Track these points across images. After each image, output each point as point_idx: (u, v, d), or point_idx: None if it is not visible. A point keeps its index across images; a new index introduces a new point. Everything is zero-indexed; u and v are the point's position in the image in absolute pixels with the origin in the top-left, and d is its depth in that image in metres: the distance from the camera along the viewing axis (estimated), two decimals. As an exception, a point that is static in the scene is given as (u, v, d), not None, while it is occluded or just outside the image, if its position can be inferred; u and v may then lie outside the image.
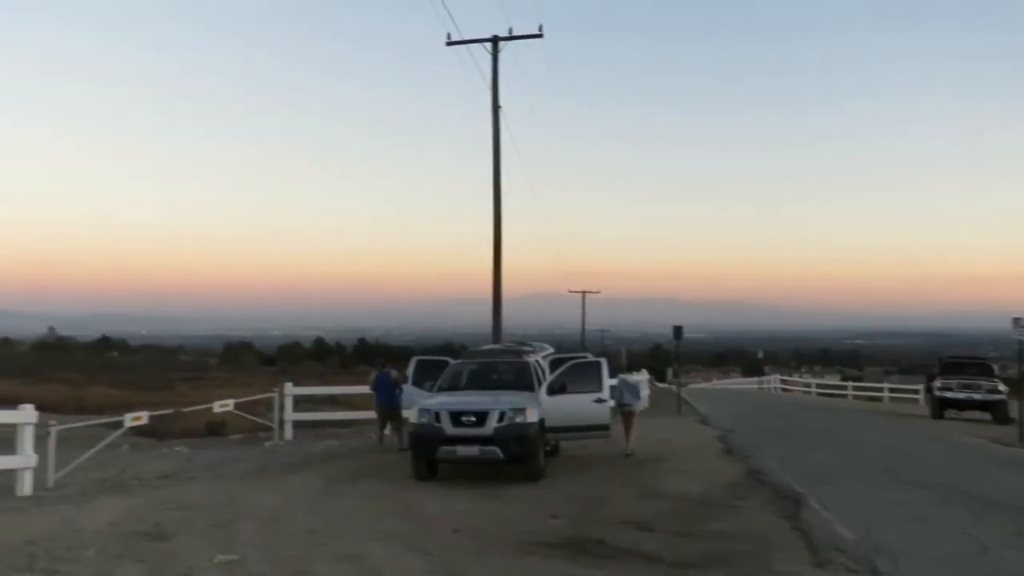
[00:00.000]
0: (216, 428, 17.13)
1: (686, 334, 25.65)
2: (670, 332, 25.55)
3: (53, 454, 10.24)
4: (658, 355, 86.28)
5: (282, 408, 15.79)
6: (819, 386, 44.75)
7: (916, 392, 31.73)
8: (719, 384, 62.31)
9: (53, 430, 10.26)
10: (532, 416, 10.38)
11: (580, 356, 12.96)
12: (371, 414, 15.05)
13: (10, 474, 9.97)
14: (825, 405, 31.89)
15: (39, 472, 9.91)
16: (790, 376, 59.80)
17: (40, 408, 10.52)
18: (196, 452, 14.24)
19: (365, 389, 15.83)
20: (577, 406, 11.14)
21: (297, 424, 16.15)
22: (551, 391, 11.19)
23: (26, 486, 9.63)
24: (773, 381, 49.62)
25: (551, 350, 13.94)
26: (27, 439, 9.79)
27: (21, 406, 10.18)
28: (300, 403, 16.55)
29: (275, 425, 15.66)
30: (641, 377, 25.57)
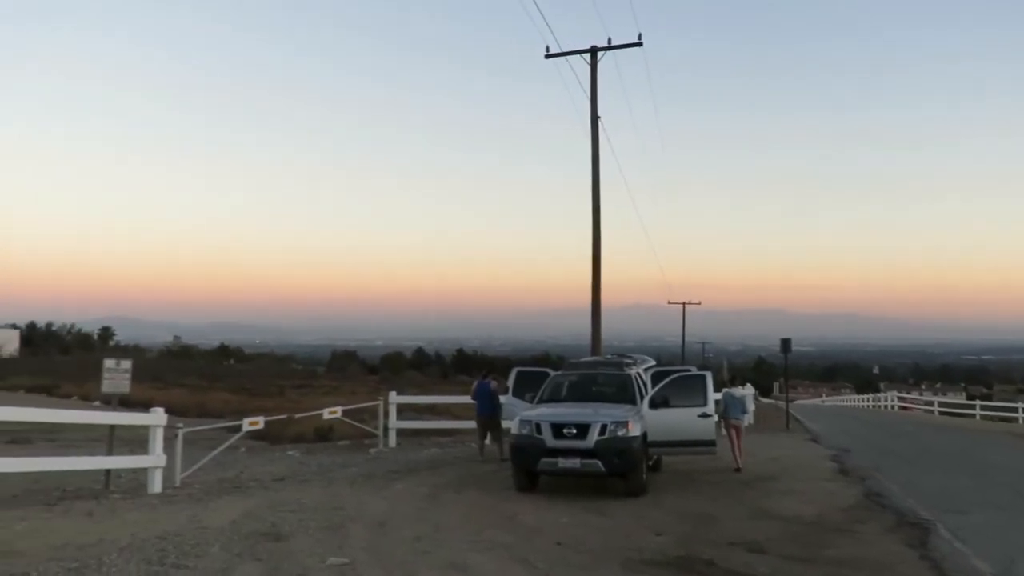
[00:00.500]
0: (324, 434, 17.82)
1: (793, 347, 24.52)
2: (774, 345, 24.54)
3: (180, 455, 10.93)
4: (762, 369, 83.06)
5: (386, 416, 16.23)
6: (942, 404, 41.68)
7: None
8: (829, 400, 59.22)
9: (180, 432, 10.96)
10: (634, 429, 10.20)
11: (683, 369, 12.63)
12: (471, 424, 15.23)
13: (142, 472, 10.73)
14: (950, 425, 29.61)
15: (167, 471, 10.60)
16: (908, 393, 55.99)
17: (167, 411, 11.26)
18: (307, 456, 14.85)
19: (465, 399, 16.02)
20: (681, 421, 10.86)
21: (400, 432, 16.55)
22: (653, 404, 10.96)
23: (156, 484, 10.31)
24: (890, 398, 46.64)
25: (652, 362, 13.66)
26: (158, 440, 10.50)
27: (153, 409, 10.94)
28: (403, 411, 16.95)
29: (380, 432, 16.12)
30: (746, 391, 24.65)
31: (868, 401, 50.34)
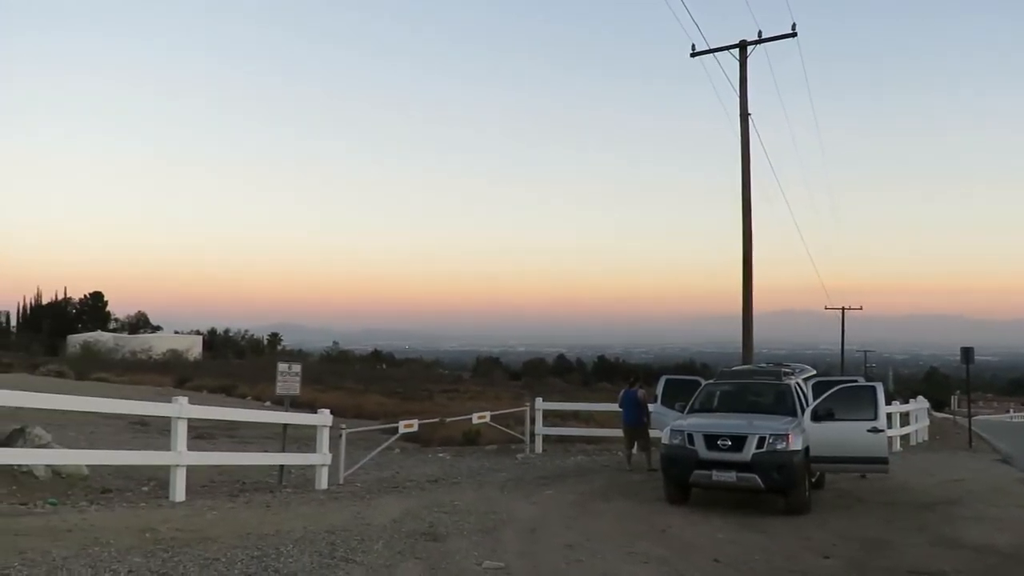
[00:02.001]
0: (472, 437, 18.30)
1: (975, 357, 22.17)
2: (948, 353, 22.47)
3: (343, 454, 11.62)
4: (934, 380, 75.83)
5: (533, 421, 16.40)
6: None
7: None
8: (1017, 416, 52.98)
9: (344, 433, 11.66)
10: (795, 443, 9.62)
11: (849, 379, 11.75)
12: (617, 432, 15.04)
13: (309, 468, 11.52)
14: None
15: (332, 469, 11.31)
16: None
17: (331, 412, 12.02)
18: (456, 459, 15.31)
19: (608, 406, 15.84)
20: (847, 435, 10.10)
21: (546, 438, 16.66)
22: (816, 417, 10.28)
23: (323, 481, 11.03)
24: (1094, 416, 41.01)
25: (813, 372, 12.84)
26: (324, 440, 11.23)
27: (320, 410, 11.71)
28: (547, 417, 17.04)
29: (526, 438, 16.32)
30: (918, 405, 22.60)
31: (1066, 418, 44.51)
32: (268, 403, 26.01)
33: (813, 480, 10.63)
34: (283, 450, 11.59)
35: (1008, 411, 63.62)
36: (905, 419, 20.82)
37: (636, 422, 13.70)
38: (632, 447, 13.85)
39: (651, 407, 13.04)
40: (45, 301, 78.65)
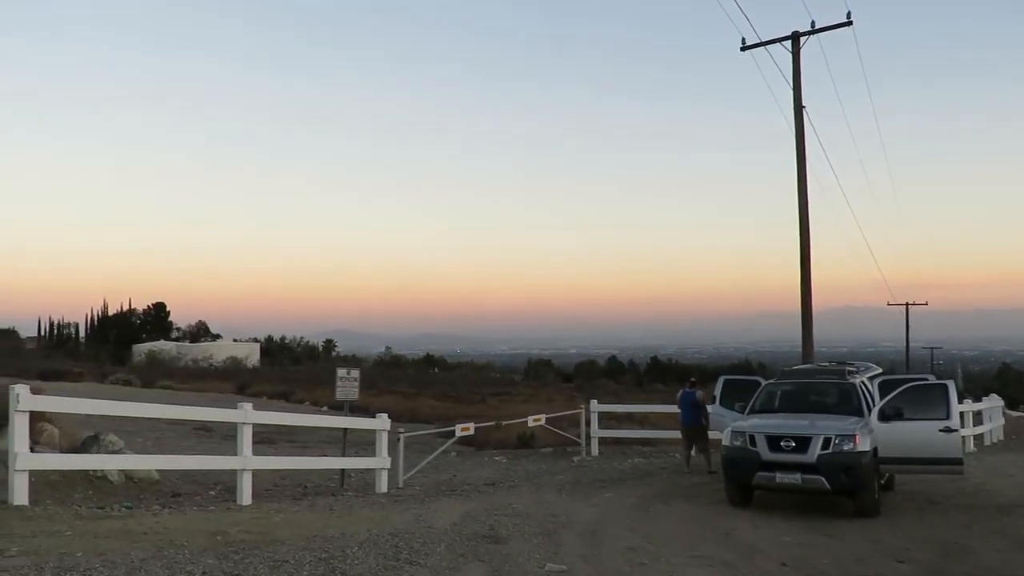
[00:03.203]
0: (527, 440, 18.29)
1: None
2: (1020, 349, 21.58)
3: (402, 457, 11.75)
4: (1008, 377, 72.57)
5: (588, 424, 16.31)
6: None
7: None
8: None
9: (402, 437, 11.79)
10: (862, 444, 9.34)
11: (918, 377, 11.35)
12: (673, 434, 14.86)
13: (368, 472, 11.68)
14: None
15: (391, 472, 11.44)
16: None
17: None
18: (512, 462, 15.31)
19: (663, 408, 15.60)
20: (918, 435, 9.75)
21: (602, 440, 16.54)
22: (884, 417, 9.95)
23: (383, 484, 11.18)
24: None
25: (878, 370, 12.45)
26: (383, 444, 11.38)
27: (378, 415, 11.87)
28: (601, 420, 16.93)
29: (582, 441, 16.23)
30: (991, 403, 21.68)
31: None
32: (325, 408, 26.54)
33: (882, 482, 10.30)
34: (344, 454, 11.79)
35: (1088, 409, 60.46)
36: (978, 418, 20.03)
37: (694, 423, 13.51)
38: (691, 449, 13.65)
39: (709, 408, 12.84)
40: (111, 312, 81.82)
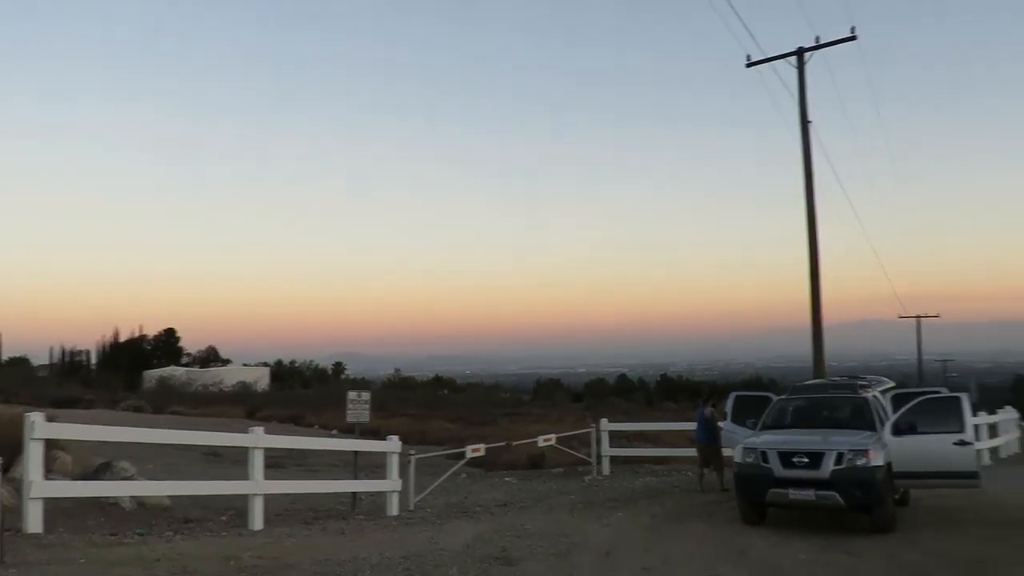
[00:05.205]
0: (537, 461, 18.17)
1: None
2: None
3: (413, 480, 11.72)
4: (1023, 389, 71.79)
5: (599, 443, 16.22)
6: None
7: None
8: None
9: (413, 459, 11.77)
10: (876, 458, 9.25)
11: (931, 390, 11.27)
12: (684, 451, 14.81)
13: (379, 495, 11.65)
14: None
15: (402, 495, 11.41)
16: None
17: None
18: (523, 483, 15.22)
19: (674, 425, 15.50)
20: (932, 449, 9.66)
21: (613, 459, 16.44)
22: (897, 431, 9.87)
23: (394, 507, 11.14)
24: None
25: (891, 384, 12.37)
26: (394, 466, 11.36)
27: (389, 437, 11.87)
28: (612, 438, 16.84)
29: (593, 460, 16.14)
30: (1007, 416, 21.46)
31: None
32: (335, 431, 26.48)
33: (897, 497, 10.19)
34: (355, 477, 11.77)
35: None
36: (993, 431, 19.82)
37: (705, 441, 13.42)
38: (705, 467, 13.54)
39: (721, 425, 12.77)
40: (122, 339, 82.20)
